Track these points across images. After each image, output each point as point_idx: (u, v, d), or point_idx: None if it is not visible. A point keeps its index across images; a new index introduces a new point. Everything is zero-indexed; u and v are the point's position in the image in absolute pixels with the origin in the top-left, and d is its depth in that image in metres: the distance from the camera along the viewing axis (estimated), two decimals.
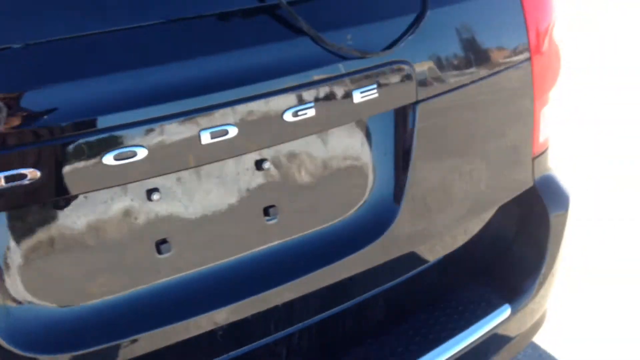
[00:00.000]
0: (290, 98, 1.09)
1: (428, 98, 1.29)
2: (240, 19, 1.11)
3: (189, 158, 1.02)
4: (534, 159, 1.59)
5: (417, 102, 1.27)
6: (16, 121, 0.88)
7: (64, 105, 0.91)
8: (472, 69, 1.37)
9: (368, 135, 1.29)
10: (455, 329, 1.42)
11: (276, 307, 1.21)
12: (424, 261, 1.51)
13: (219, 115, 1.02)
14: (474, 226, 1.59)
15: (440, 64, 1.31)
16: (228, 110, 1.03)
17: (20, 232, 0.96)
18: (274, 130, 1.09)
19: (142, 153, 0.96)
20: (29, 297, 0.98)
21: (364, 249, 1.28)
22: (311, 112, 1.11)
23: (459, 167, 1.43)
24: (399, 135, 1.30)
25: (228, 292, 1.14)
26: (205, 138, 1.01)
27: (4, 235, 0.95)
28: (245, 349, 1.24)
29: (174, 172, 1.04)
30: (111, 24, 0.98)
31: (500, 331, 1.52)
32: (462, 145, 1.43)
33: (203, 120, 1.01)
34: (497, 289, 1.58)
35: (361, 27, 1.21)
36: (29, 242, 0.97)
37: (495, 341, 1.53)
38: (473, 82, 1.37)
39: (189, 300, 1.11)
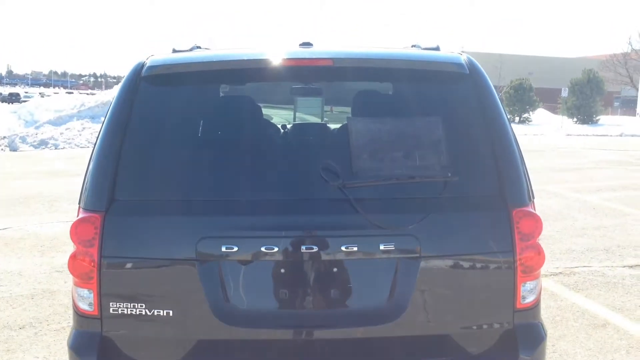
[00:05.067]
0: (345, 240, 2.40)
1: (427, 257, 2.44)
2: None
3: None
4: (515, 311, 2.51)
5: (420, 257, 2.43)
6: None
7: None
8: (463, 249, 2.47)
9: (397, 267, 2.45)
10: None
11: None
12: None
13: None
14: (464, 332, 2.52)
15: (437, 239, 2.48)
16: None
17: (240, 272, 2.42)
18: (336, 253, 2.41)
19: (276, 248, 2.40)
20: (242, 301, 2.43)
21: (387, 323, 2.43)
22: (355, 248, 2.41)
23: (449, 295, 2.48)
24: (409, 271, 2.45)
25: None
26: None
27: (237, 272, 2.42)
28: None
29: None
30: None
31: None
32: (453, 285, 2.47)
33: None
34: None
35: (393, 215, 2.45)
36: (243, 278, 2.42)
37: None
38: (462, 255, 2.46)
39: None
